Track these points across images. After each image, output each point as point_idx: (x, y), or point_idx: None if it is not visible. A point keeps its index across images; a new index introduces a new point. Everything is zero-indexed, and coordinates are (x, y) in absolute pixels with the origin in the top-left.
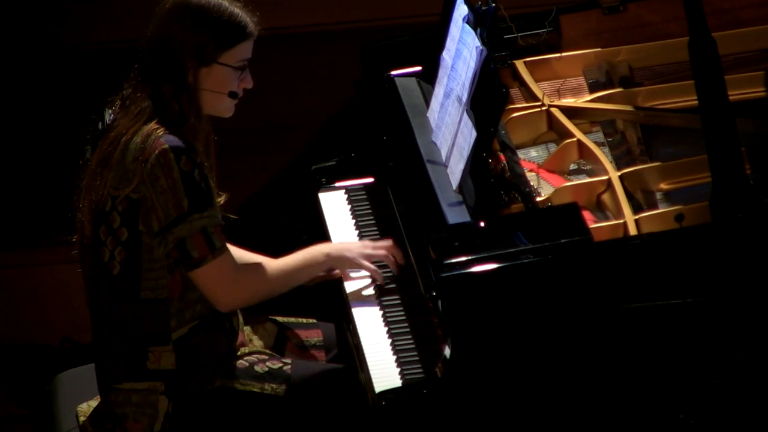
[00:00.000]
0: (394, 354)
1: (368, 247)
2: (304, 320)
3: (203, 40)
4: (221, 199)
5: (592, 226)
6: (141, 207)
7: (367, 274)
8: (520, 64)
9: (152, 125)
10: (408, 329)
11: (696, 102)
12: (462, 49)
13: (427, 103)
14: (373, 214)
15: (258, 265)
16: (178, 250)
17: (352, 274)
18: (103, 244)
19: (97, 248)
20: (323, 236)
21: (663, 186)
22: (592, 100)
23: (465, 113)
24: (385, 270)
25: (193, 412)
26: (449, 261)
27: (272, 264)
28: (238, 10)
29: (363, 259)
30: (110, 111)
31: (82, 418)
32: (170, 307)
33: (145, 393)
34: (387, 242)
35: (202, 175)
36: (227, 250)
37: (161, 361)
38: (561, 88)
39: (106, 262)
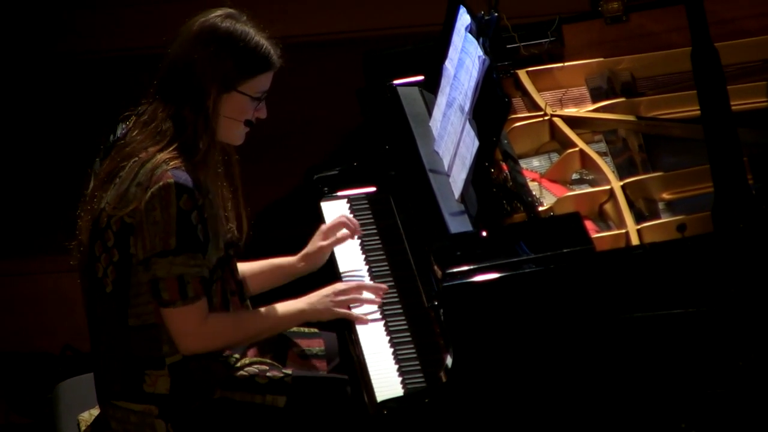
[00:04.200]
0: (395, 363)
1: (339, 294)
2: (306, 329)
3: (227, 66)
4: (231, 226)
5: (595, 235)
6: (133, 231)
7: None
8: (522, 74)
9: (167, 154)
10: (410, 338)
11: (698, 112)
12: (464, 59)
13: (430, 112)
14: (375, 224)
15: (229, 319)
16: (151, 286)
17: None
18: (98, 260)
19: (92, 262)
20: None
21: (665, 196)
22: (594, 110)
23: (467, 122)
24: (385, 277)
25: (193, 425)
26: (451, 270)
27: (245, 317)
28: (263, 41)
29: (340, 308)
30: (123, 125)
31: (83, 427)
32: (161, 333)
33: (141, 415)
34: (354, 284)
35: (201, 218)
36: (200, 300)
37: (157, 385)
38: (563, 97)
39: (99, 278)
